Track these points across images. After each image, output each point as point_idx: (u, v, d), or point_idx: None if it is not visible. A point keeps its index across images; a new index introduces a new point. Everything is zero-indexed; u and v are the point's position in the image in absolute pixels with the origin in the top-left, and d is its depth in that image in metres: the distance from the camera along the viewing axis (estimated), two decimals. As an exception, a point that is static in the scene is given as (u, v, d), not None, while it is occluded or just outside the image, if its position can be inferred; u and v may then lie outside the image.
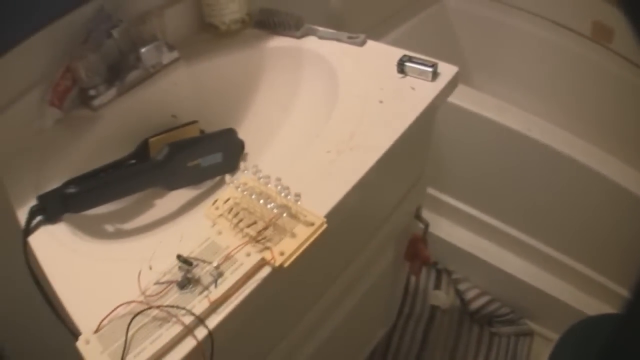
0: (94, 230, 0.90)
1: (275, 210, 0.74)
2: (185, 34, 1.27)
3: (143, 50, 1.11)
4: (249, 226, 0.74)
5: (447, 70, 1.11)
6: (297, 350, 1.11)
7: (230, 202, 0.79)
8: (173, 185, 1.03)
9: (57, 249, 0.81)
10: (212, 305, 0.66)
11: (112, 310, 0.66)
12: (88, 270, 0.76)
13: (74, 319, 0.67)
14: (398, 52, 1.14)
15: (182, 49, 1.21)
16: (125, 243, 0.90)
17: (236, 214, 0.76)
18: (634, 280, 0.77)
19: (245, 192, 0.78)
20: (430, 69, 1.08)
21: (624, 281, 1.81)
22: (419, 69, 1.09)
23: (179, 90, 1.18)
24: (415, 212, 1.41)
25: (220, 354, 0.69)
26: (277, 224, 0.74)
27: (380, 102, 1.03)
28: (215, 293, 0.67)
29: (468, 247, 2.07)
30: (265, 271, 0.71)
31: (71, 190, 0.88)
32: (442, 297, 2.09)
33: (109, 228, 0.94)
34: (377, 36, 1.92)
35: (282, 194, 0.77)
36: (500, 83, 2.52)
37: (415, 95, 1.05)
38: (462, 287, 2.10)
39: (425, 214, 1.93)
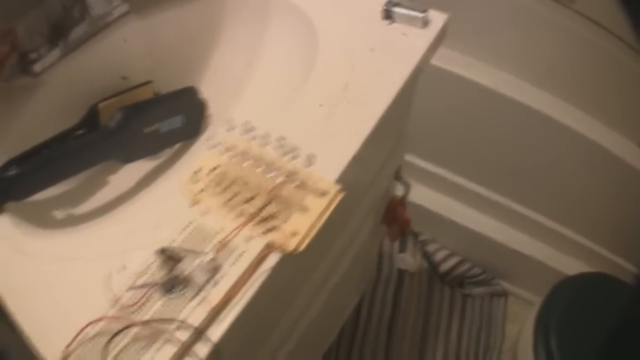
0: (44, 221, 0.76)
1: (277, 180, 0.58)
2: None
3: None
4: (245, 202, 0.57)
5: (438, 18, 1.03)
6: (289, 335, 1.03)
7: (216, 172, 0.62)
8: (130, 156, 0.89)
9: (5, 252, 0.65)
10: (213, 311, 0.50)
11: (79, 332, 0.49)
12: (43, 275, 0.60)
13: (35, 344, 0.51)
14: None
15: (132, 1, 1.06)
16: (83, 234, 0.74)
17: (225, 188, 0.60)
18: None
19: (234, 158, 0.62)
20: (421, 15, 0.99)
21: (598, 238, 1.83)
22: (409, 14, 1.00)
23: (129, 47, 1.05)
24: (395, 174, 1.35)
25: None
26: (281, 195, 0.58)
27: (372, 49, 0.92)
28: (215, 294, 0.51)
29: (435, 207, 2.03)
30: (274, 258, 0.56)
31: (11, 172, 0.74)
32: (408, 260, 2.05)
33: (61, 215, 0.80)
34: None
35: (286, 157, 0.60)
36: (462, 49, 2.48)
37: (408, 42, 0.95)
38: (430, 248, 2.07)
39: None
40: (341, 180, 0.66)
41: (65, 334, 0.50)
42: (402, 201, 1.40)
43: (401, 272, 2.03)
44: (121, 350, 0.49)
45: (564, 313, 1.46)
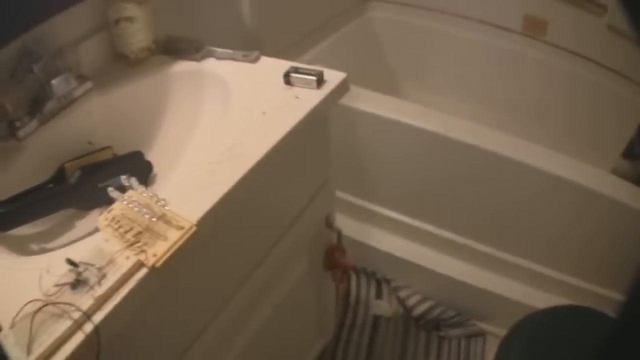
0: (18, 248, 1.03)
1: (150, 217, 0.89)
2: (100, 65, 1.40)
3: (53, 81, 1.24)
4: (128, 232, 0.88)
5: (335, 77, 1.24)
6: (216, 355, 1.22)
7: (114, 212, 0.93)
8: (88, 206, 1.16)
9: None
10: (96, 301, 0.80)
11: (21, 308, 0.79)
12: (6, 277, 0.89)
13: None
14: (288, 65, 1.27)
15: (96, 79, 1.33)
16: (37, 257, 1.03)
17: (118, 222, 0.91)
18: (629, 285, 0.83)
19: (129, 205, 0.93)
20: (314, 78, 1.21)
21: (567, 269, 1.84)
22: (304, 78, 1.22)
23: (93, 118, 1.30)
24: (325, 221, 1.49)
25: (116, 348, 0.83)
26: (154, 229, 0.88)
27: (264, 113, 1.16)
28: (99, 291, 0.81)
29: (403, 254, 2.08)
30: (143, 272, 0.85)
31: None
32: (384, 307, 2.11)
33: (33, 247, 1.08)
34: (299, 53, 2.05)
35: (154, 201, 0.92)
36: (436, 91, 2.58)
37: (298, 103, 1.18)
38: (402, 294, 2.11)
39: (357, 224, 2.07)
40: (208, 219, 0.93)
41: (16, 308, 0.79)
42: (338, 247, 1.53)
43: (377, 318, 2.08)
44: (43, 322, 0.78)
45: (526, 351, 1.34)
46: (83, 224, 1.16)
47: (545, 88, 2.30)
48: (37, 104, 1.24)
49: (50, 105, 1.24)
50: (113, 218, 0.91)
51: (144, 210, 0.91)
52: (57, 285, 0.83)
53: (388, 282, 2.16)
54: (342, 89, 1.26)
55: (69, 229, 1.15)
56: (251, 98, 1.21)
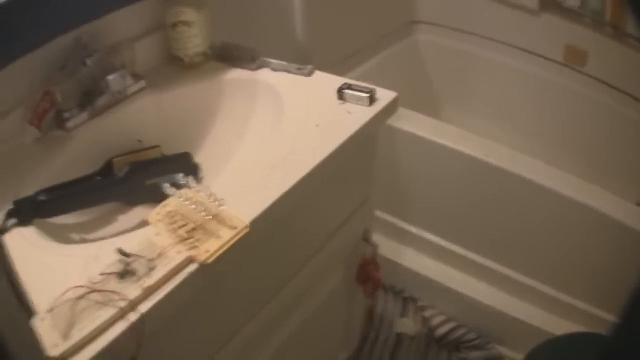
0: (59, 236, 1.02)
1: (205, 215, 0.88)
2: (153, 65, 1.40)
3: (110, 77, 1.24)
4: (181, 227, 0.87)
5: (386, 96, 1.25)
6: (248, 356, 1.20)
7: (169, 208, 0.92)
8: (133, 201, 1.16)
9: (26, 246, 0.93)
10: (144, 292, 0.78)
11: (63, 293, 0.78)
12: (50, 263, 0.88)
13: (34, 301, 0.77)
14: (341, 81, 1.28)
15: (150, 78, 1.34)
16: (83, 245, 1.02)
17: (172, 219, 0.90)
18: (623, 305, 0.84)
19: (185, 201, 0.92)
20: (366, 95, 1.21)
21: (591, 299, 1.80)
22: (357, 95, 1.22)
23: (144, 116, 1.30)
24: (363, 235, 1.49)
25: (157, 341, 0.82)
26: (206, 227, 0.87)
27: (317, 125, 1.17)
28: (148, 282, 0.79)
29: (432, 275, 2.07)
30: (193, 266, 0.84)
31: (41, 197, 1.01)
32: (408, 325, 2.09)
33: (74, 236, 1.07)
34: (346, 70, 2.05)
35: (210, 201, 0.90)
36: (475, 115, 2.58)
37: (351, 118, 1.19)
38: (427, 314, 2.09)
39: (389, 243, 2.04)
40: (259, 221, 0.92)
41: (57, 293, 0.78)
42: (372, 261, 1.53)
43: (400, 335, 2.06)
44: (85, 308, 0.76)
45: None
46: (125, 219, 1.16)
47: (581, 118, 2.29)
48: (89, 98, 1.24)
49: (102, 100, 1.25)
50: (168, 213, 0.90)
51: (200, 207, 0.89)
52: (103, 274, 0.81)
53: (414, 301, 2.16)
54: (392, 107, 1.26)
55: (111, 222, 1.15)
56: (304, 110, 1.22)
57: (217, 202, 0.90)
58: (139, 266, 0.82)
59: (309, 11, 1.88)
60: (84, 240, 1.06)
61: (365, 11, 2.22)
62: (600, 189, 1.70)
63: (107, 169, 1.18)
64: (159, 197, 1.03)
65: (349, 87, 1.24)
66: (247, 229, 0.88)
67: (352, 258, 1.50)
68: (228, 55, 1.41)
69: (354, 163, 1.30)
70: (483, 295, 1.99)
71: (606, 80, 2.19)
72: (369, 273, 1.52)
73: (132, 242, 0.87)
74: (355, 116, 1.19)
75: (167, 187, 0.96)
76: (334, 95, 1.25)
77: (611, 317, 1.72)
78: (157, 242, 0.86)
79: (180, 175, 1.01)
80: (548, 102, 2.39)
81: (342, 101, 1.24)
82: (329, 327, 1.62)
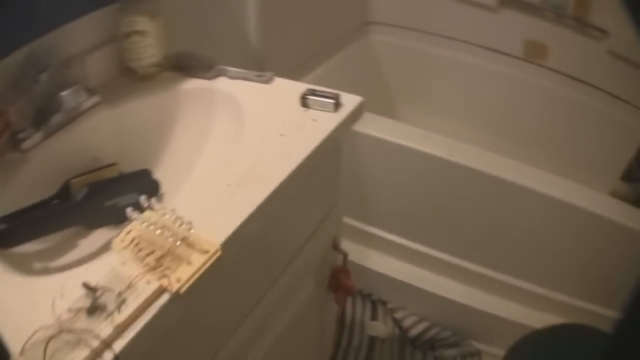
0: (20, 267, 0.97)
1: (172, 240, 0.84)
2: (107, 79, 1.35)
3: (63, 93, 1.19)
4: (148, 255, 0.83)
5: (351, 101, 1.22)
6: None
7: (133, 233, 0.87)
8: (93, 224, 1.11)
9: None
10: (116, 329, 0.74)
11: (32, 335, 0.74)
12: (16, 300, 0.83)
13: (7, 342, 0.73)
14: (304, 87, 1.24)
15: (103, 93, 1.29)
16: (47, 278, 0.97)
17: (137, 245, 0.85)
18: (625, 301, 0.82)
19: (149, 226, 0.88)
20: (331, 101, 1.19)
21: (566, 290, 1.85)
22: (321, 101, 1.19)
23: (99, 133, 1.25)
24: (332, 244, 1.47)
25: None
26: (176, 253, 0.83)
27: (281, 135, 1.13)
28: (118, 318, 0.75)
29: (400, 276, 2.08)
30: (165, 297, 0.80)
31: (1, 227, 0.96)
32: (379, 328, 2.09)
33: (36, 265, 1.02)
34: (301, 74, 2.02)
35: (177, 224, 0.86)
36: (433, 114, 2.59)
37: (316, 126, 1.15)
38: (399, 315, 2.11)
39: (355, 247, 2.03)
40: (230, 242, 0.88)
41: (25, 334, 0.74)
42: (343, 269, 1.52)
43: (372, 339, 2.07)
44: (56, 350, 0.72)
45: None
46: (87, 243, 1.10)
47: (544, 112, 2.33)
48: (43, 116, 1.19)
49: (57, 118, 1.20)
50: (132, 239, 0.85)
51: (166, 232, 0.85)
52: (71, 310, 0.76)
53: (384, 303, 2.16)
54: (358, 112, 1.24)
55: (73, 247, 1.09)
56: (267, 119, 1.18)
57: (184, 225, 0.86)
58: (107, 300, 0.77)
59: (263, 16, 1.85)
60: (46, 270, 1.01)
61: (318, 14, 2.20)
62: (570, 181, 1.75)
63: (64, 192, 1.13)
64: (119, 218, 1.02)
65: (313, 93, 1.21)
66: (220, 252, 0.84)
67: (323, 267, 1.48)
68: (183, 64, 1.37)
69: (321, 171, 1.27)
70: (454, 294, 2.01)
71: (567, 72, 2.24)
72: (340, 281, 1.51)
73: (97, 273, 0.83)
74: (321, 123, 1.16)
75: (129, 212, 0.91)
76: (296, 102, 1.22)
77: (588, 306, 1.82)
78: (124, 272, 0.82)
79: (143, 197, 0.98)
80: (509, 97, 2.42)
81: (305, 108, 1.21)
82: (304, 338, 1.59)
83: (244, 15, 1.83)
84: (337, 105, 1.20)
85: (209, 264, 0.82)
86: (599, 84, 2.18)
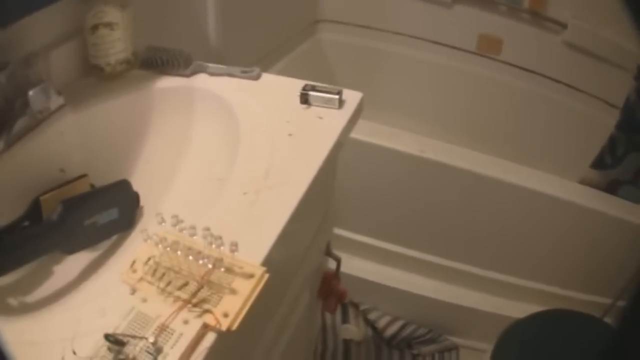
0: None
1: (209, 265, 0.66)
2: (69, 78, 1.17)
3: (31, 92, 1.01)
4: (179, 288, 0.65)
5: (352, 97, 1.12)
6: None
7: (151, 262, 0.70)
8: (71, 247, 0.93)
9: None
10: None
11: None
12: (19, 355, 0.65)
13: None
14: (297, 83, 1.13)
15: (67, 94, 1.10)
16: (35, 320, 0.79)
17: (161, 276, 0.68)
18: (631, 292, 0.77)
19: (167, 248, 0.69)
20: (336, 96, 1.08)
21: (541, 277, 1.88)
22: (324, 97, 1.09)
23: (66, 139, 1.08)
24: (325, 249, 1.37)
25: None
26: (211, 280, 0.66)
27: (290, 135, 1.01)
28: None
29: (370, 277, 2.04)
30: (211, 338, 0.63)
31: None
32: (352, 330, 2.06)
33: (13, 303, 0.84)
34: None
35: (213, 245, 0.68)
36: (387, 112, 2.48)
37: (325, 124, 1.04)
38: (372, 316, 2.07)
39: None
40: (268, 261, 0.73)
41: None
42: (335, 274, 1.43)
43: (347, 343, 2.03)
44: None
45: (518, 357, 1.37)
46: (62, 270, 0.94)
47: (500, 105, 2.34)
48: (4, 121, 1.00)
49: (20, 123, 1.01)
50: (152, 270, 0.67)
51: (192, 255, 0.67)
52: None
53: (355, 305, 2.13)
54: (360, 109, 1.15)
55: (48, 276, 0.92)
56: (267, 118, 1.05)
57: (217, 244, 0.68)
58: (137, 352, 0.59)
59: (222, 11, 1.75)
60: (24, 307, 0.83)
61: (273, 12, 2.14)
62: (541, 172, 1.80)
63: (34, 211, 0.94)
64: (100, 238, 0.94)
65: (313, 88, 1.11)
66: (267, 275, 0.68)
67: (316, 274, 1.37)
68: (154, 61, 1.20)
69: (327, 172, 1.13)
70: (426, 290, 2.00)
71: (523, 65, 2.27)
72: (332, 287, 1.42)
73: (111, 316, 0.64)
74: (329, 121, 1.05)
75: (141, 233, 0.72)
76: (294, 98, 1.10)
77: (560, 291, 1.88)
78: (149, 312, 0.64)
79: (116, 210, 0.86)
80: (464, 92, 2.42)
81: (306, 105, 1.10)
82: (301, 351, 1.49)
83: (204, 10, 1.70)
84: (341, 102, 1.10)
85: (257, 290, 0.66)
86: (557, 76, 2.21)
